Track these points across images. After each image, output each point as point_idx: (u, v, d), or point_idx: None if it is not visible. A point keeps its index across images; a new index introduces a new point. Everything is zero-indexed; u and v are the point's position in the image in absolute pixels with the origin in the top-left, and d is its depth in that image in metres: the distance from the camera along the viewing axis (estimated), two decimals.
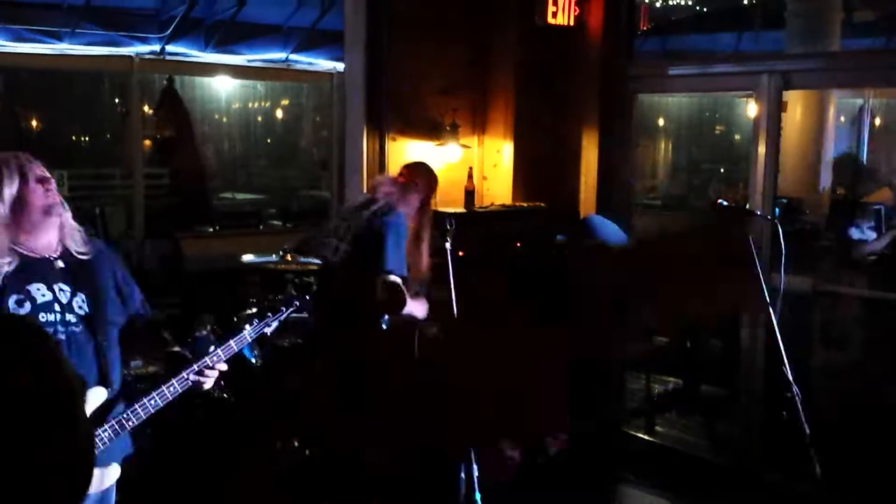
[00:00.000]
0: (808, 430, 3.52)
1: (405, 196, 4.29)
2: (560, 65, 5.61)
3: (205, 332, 2.88)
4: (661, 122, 13.17)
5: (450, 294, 3.79)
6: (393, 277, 4.09)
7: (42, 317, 2.62)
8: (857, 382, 4.96)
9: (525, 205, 5.57)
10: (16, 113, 10.97)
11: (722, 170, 13.15)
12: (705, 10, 10.71)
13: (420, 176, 4.40)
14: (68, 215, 2.75)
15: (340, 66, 9.36)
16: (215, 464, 4.22)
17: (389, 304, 4.21)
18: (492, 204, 5.62)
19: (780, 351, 3.54)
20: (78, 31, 8.33)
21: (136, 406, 2.65)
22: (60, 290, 2.69)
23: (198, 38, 9.15)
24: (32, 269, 2.65)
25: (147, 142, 10.23)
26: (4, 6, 7.91)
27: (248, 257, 5.60)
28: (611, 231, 4.42)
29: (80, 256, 2.76)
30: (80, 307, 2.71)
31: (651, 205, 11.89)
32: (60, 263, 2.72)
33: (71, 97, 11.11)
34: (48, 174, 2.70)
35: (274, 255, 5.41)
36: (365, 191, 5.20)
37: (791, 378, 3.51)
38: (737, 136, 13.40)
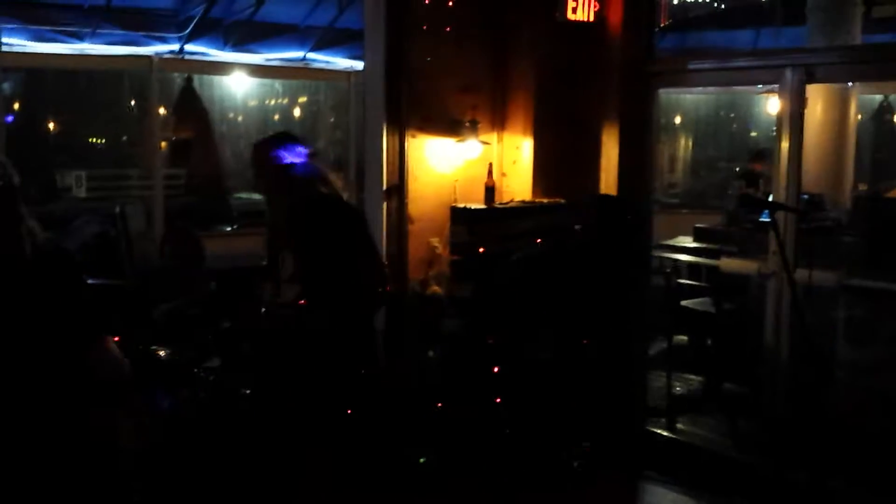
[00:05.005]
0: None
1: None
2: (580, 61, 5.58)
3: None
4: (678, 119, 13.11)
5: None
6: None
7: None
8: (883, 378, 4.91)
9: (545, 201, 5.55)
10: (36, 114, 11.06)
11: (738, 168, 13.07)
12: (723, 6, 10.63)
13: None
14: None
15: (358, 65, 9.38)
16: None
17: None
18: (511, 200, 5.61)
19: (807, 345, 3.51)
20: (98, 31, 8.38)
21: None
22: None
23: (216, 37, 9.20)
24: None
25: (163, 143, 10.28)
26: (25, 7, 7.97)
27: None
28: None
29: None
30: None
31: (670, 203, 11.84)
32: None
33: (90, 98, 11.19)
34: None
35: None
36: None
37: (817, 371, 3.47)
38: (754, 133, 13.32)
